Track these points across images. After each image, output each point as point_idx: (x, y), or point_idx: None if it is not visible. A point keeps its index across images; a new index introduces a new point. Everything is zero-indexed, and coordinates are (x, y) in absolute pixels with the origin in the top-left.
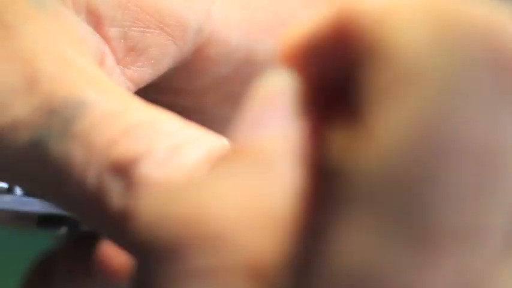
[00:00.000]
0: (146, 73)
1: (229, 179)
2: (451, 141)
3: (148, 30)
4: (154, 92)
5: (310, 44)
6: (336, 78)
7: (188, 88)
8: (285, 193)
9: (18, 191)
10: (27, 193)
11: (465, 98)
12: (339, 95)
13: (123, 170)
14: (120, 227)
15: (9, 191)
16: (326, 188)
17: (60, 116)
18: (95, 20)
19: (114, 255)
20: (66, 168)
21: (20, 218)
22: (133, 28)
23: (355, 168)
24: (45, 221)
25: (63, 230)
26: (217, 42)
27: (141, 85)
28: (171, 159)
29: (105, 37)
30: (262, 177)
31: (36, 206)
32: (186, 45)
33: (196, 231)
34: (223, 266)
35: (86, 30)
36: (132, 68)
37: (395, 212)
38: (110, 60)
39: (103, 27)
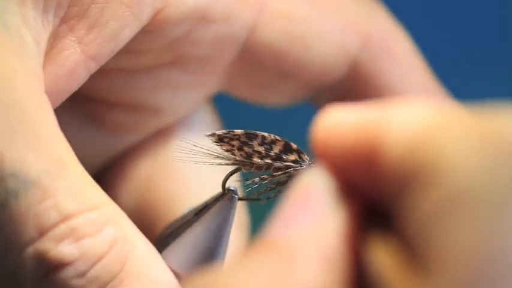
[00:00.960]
0: (107, 48)
1: (255, 271)
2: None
3: (107, 4)
4: None
5: (342, 155)
6: (373, 198)
7: (139, 48)
8: None
9: None
10: None
11: None
12: (378, 212)
13: (46, 266)
14: None
15: None
16: None
17: (5, 185)
18: (55, 3)
19: None
20: None
21: None
22: (93, 5)
23: None
24: None
25: None
26: (176, 3)
27: (102, 62)
28: (91, 271)
29: (64, 18)
30: (285, 273)
31: None
32: (144, 13)
33: None
34: None
35: (43, 24)
36: (92, 45)
37: None
38: (68, 42)
39: (61, 9)
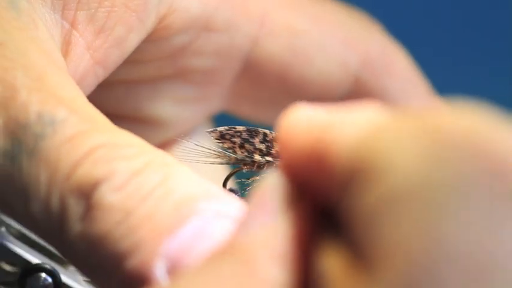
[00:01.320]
0: (114, 54)
1: (215, 277)
2: (452, 262)
3: (114, 9)
4: None
5: (297, 155)
6: (324, 195)
7: (143, 58)
8: None
9: None
10: None
11: (461, 213)
12: (328, 211)
13: (84, 194)
14: (78, 250)
15: None
16: None
17: (31, 132)
18: (62, 5)
19: None
20: (32, 186)
21: None
22: (100, 9)
23: None
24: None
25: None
26: (178, 10)
27: (109, 68)
28: (129, 184)
29: (73, 23)
30: (244, 278)
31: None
32: (149, 17)
33: None
34: None
35: (52, 23)
36: (100, 50)
37: None
38: (78, 47)
39: (70, 12)
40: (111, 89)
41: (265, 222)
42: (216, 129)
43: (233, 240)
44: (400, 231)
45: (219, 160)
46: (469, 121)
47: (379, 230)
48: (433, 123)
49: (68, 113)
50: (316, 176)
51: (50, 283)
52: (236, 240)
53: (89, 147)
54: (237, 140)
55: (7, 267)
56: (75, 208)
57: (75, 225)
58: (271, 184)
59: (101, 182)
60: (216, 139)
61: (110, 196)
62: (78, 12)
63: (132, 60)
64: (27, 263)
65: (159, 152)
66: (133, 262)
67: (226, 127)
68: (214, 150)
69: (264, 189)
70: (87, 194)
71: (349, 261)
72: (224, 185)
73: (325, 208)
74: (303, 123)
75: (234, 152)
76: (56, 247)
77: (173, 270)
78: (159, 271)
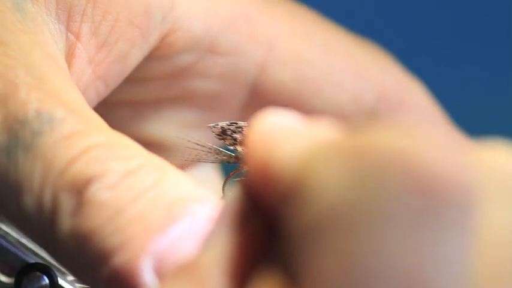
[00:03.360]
0: (116, 69)
1: None
2: (380, 279)
3: (117, 23)
4: None
5: (253, 170)
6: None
7: (146, 76)
8: None
9: None
10: None
11: (386, 229)
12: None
13: (76, 190)
14: (67, 246)
15: None
16: None
17: (29, 128)
18: (66, 16)
19: None
20: (26, 181)
21: None
22: (103, 23)
23: None
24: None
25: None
26: (182, 29)
27: (110, 84)
28: (122, 183)
29: (77, 35)
30: None
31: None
32: (152, 34)
33: None
34: None
35: (56, 32)
36: (102, 65)
37: None
38: (81, 61)
39: (75, 23)
40: (115, 110)
41: (219, 239)
42: (217, 124)
43: (191, 258)
44: (325, 257)
45: (220, 158)
46: (397, 139)
47: (306, 257)
48: (362, 143)
49: (67, 113)
50: (264, 191)
51: (46, 284)
52: (193, 258)
53: (84, 146)
54: (238, 136)
55: (2, 276)
56: (67, 204)
57: (66, 221)
58: (231, 198)
59: (94, 179)
60: (217, 135)
61: (102, 194)
62: (83, 24)
63: (135, 78)
64: (23, 262)
65: (154, 156)
66: (121, 259)
67: (227, 122)
68: (215, 150)
69: (225, 204)
70: (79, 190)
71: (282, 286)
72: (224, 188)
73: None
74: (265, 132)
75: (235, 149)
76: (45, 245)
77: (160, 268)
78: (145, 268)
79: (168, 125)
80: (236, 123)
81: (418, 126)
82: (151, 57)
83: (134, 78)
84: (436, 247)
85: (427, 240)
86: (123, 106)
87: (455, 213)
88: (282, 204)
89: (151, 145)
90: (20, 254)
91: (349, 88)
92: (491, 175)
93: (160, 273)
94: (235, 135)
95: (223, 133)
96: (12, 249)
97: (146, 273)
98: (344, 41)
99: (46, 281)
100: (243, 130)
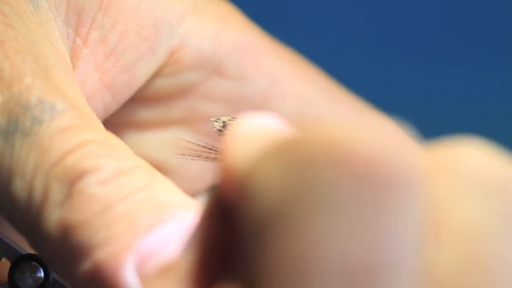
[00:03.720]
0: (122, 79)
1: None
2: (327, 270)
3: (126, 34)
4: None
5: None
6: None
7: (154, 94)
8: None
9: None
10: None
11: (325, 220)
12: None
13: (68, 181)
14: (52, 236)
15: None
16: None
17: (30, 114)
18: (76, 20)
19: None
20: (19, 167)
21: None
22: (113, 31)
23: None
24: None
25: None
26: (190, 46)
27: (118, 98)
28: (114, 180)
29: (84, 40)
30: None
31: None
32: (160, 48)
33: None
34: None
35: (64, 34)
36: (109, 73)
37: None
38: (87, 65)
39: (84, 28)
40: (122, 134)
41: (189, 246)
42: (219, 119)
43: (174, 259)
44: (272, 259)
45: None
46: (330, 131)
47: (257, 259)
48: (298, 138)
49: (68, 106)
50: (227, 195)
51: (41, 276)
52: (174, 260)
53: (81, 140)
54: None
55: None
56: (57, 194)
57: (54, 211)
58: (203, 204)
59: (87, 173)
60: (219, 130)
61: (92, 188)
62: (92, 31)
63: (140, 97)
64: (17, 253)
65: (146, 163)
66: (104, 254)
67: (229, 116)
68: (216, 148)
69: (198, 209)
70: (71, 182)
71: None
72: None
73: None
74: (233, 136)
75: None
76: (30, 233)
77: (141, 267)
78: (128, 266)
79: (169, 148)
80: (237, 118)
81: (353, 120)
82: (158, 74)
83: (139, 97)
84: (378, 233)
85: (367, 227)
86: (129, 129)
87: (393, 197)
88: (235, 206)
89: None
90: (13, 245)
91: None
92: (454, 169)
93: (141, 272)
94: None
95: (224, 127)
96: (5, 239)
97: (128, 271)
98: (344, 92)
99: (41, 273)
100: None
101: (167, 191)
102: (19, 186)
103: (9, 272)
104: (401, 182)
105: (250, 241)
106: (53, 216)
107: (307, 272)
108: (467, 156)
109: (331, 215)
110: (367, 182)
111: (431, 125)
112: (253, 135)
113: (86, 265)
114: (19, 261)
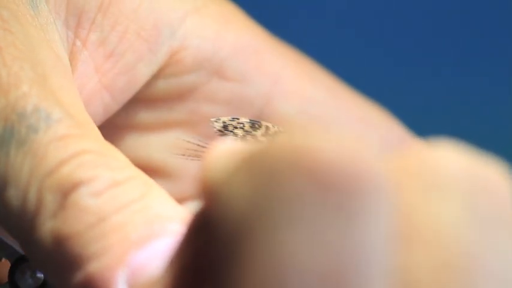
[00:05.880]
0: (122, 81)
1: None
2: (296, 280)
3: (126, 35)
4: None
5: None
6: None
7: (155, 96)
8: None
9: None
10: None
11: (292, 229)
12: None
13: (62, 192)
14: (45, 246)
15: None
16: None
17: (26, 122)
18: (76, 22)
19: None
20: (14, 175)
21: None
22: (112, 33)
23: None
24: None
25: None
26: (191, 47)
27: (118, 99)
28: (108, 192)
29: (84, 42)
30: None
31: None
32: (160, 49)
33: None
34: None
35: (63, 37)
36: (109, 75)
37: None
38: (87, 67)
39: (83, 30)
40: (123, 136)
41: (173, 260)
42: (219, 119)
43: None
44: (242, 272)
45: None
46: (294, 140)
47: (229, 274)
48: (263, 149)
49: (64, 114)
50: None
51: (41, 276)
52: (163, 274)
53: (76, 150)
54: (239, 132)
55: None
56: (50, 204)
57: (48, 221)
58: (188, 219)
59: (81, 184)
60: (219, 130)
61: (86, 199)
62: (91, 33)
63: (142, 98)
64: (17, 253)
65: (142, 173)
66: (97, 266)
67: (229, 117)
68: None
69: (185, 222)
70: (65, 193)
71: None
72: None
73: None
74: (209, 158)
75: None
76: (23, 242)
77: (132, 281)
78: (119, 279)
79: (171, 150)
80: (238, 119)
81: (318, 128)
82: (159, 75)
83: (140, 99)
84: (345, 240)
85: (333, 234)
86: (131, 132)
87: (357, 202)
88: (210, 220)
89: (158, 173)
90: (13, 245)
91: (354, 131)
92: (424, 170)
93: (131, 286)
94: (236, 131)
95: (224, 128)
96: (5, 239)
97: (119, 284)
98: (347, 89)
99: (41, 273)
100: (244, 126)
101: (161, 202)
102: (13, 194)
103: (9, 272)
104: (365, 187)
105: (223, 255)
106: (46, 226)
107: (277, 285)
108: (437, 158)
109: (297, 224)
110: (330, 188)
111: (431, 125)
112: (227, 153)
113: (78, 276)
114: (19, 262)
